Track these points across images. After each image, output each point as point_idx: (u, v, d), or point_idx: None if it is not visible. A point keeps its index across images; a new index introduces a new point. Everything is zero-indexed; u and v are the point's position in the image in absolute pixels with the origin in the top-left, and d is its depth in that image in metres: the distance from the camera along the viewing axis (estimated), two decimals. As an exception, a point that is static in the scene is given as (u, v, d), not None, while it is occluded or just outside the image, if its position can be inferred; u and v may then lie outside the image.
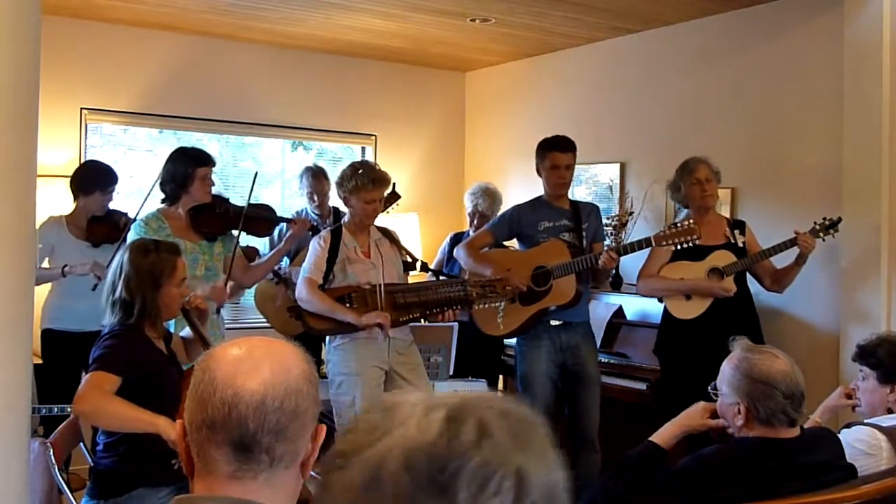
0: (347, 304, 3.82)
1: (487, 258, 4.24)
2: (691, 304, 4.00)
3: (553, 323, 4.12)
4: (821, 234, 3.89)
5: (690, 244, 3.84)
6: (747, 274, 4.08)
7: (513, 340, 4.90)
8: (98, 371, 2.65)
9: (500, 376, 5.21)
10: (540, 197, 4.29)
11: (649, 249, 4.07)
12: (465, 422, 0.69)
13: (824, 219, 3.91)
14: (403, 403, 0.73)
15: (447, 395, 0.74)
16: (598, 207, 4.45)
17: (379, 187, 3.86)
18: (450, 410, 0.70)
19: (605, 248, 4.02)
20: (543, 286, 4.09)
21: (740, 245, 4.05)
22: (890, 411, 2.76)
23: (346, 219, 4.01)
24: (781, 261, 4.04)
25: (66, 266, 4.15)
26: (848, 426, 2.70)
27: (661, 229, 4.07)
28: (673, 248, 3.91)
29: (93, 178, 4.40)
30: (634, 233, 5.07)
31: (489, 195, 4.94)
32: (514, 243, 4.49)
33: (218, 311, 3.99)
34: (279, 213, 4.48)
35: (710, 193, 4.06)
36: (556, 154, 4.15)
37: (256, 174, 4.18)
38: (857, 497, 2.21)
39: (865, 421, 2.71)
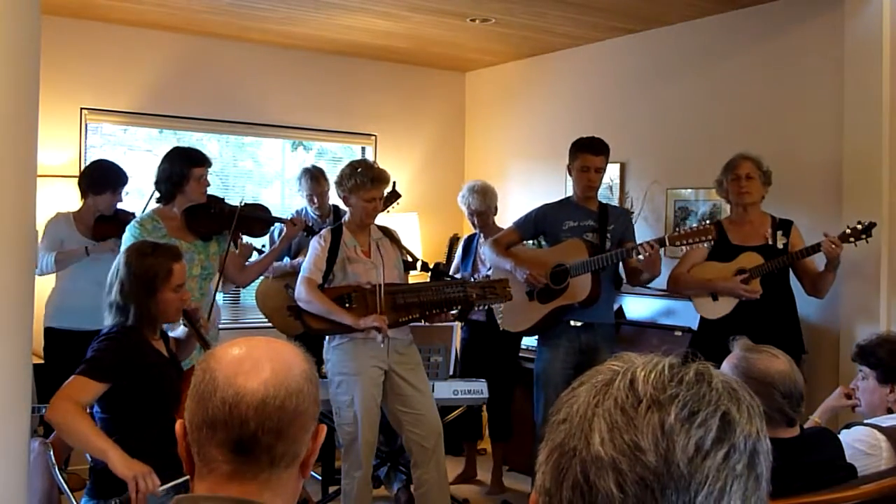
0: (347, 304, 3.82)
1: (509, 255, 4.26)
2: (718, 304, 3.97)
3: (574, 324, 4.10)
4: (851, 239, 3.70)
5: (705, 244, 3.82)
6: (790, 277, 3.99)
7: (526, 342, 4.93)
8: (81, 377, 2.64)
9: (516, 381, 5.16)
10: (569, 197, 4.31)
11: (686, 251, 4.06)
12: (688, 368, 0.81)
13: (858, 223, 3.73)
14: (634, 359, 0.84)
15: None
16: (628, 212, 4.43)
17: (378, 186, 3.86)
18: (676, 361, 0.81)
19: (641, 243, 3.94)
20: (561, 284, 4.10)
21: (780, 246, 3.94)
22: (890, 411, 2.76)
23: (346, 218, 4.01)
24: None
25: (88, 247, 4.27)
26: (848, 426, 2.69)
27: (676, 229, 4.06)
28: (686, 248, 3.90)
29: (105, 178, 4.41)
30: (636, 233, 5.07)
31: (477, 192, 4.93)
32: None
33: (221, 276, 4.01)
34: (279, 214, 4.49)
35: (748, 191, 3.98)
36: (587, 156, 4.13)
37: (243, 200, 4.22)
38: (857, 497, 2.21)
39: (865, 421, 2.71)
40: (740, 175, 4.00)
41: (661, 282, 4.37)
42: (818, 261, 3.93)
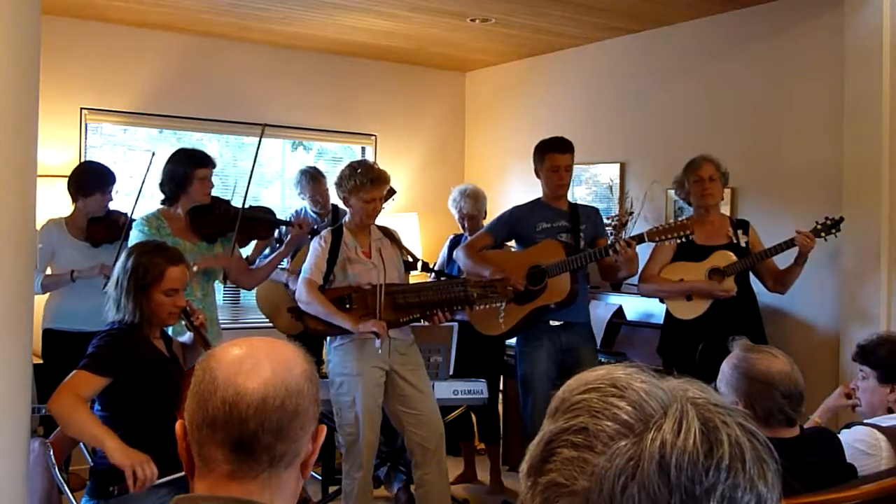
0: (347, 305, 3.82)
1: (485, 258, 4.25)
2: (692, 305, 4.01)
3: (553, 323, 4.12)
4: (822, 234, 3.86)
5: (684, 239, 3.85)
6: (750, 274, 4.07)
7: (514, 340, 4.93)
8: (83, 371, 2.67)
9: (502, 376, 5.20)
10: (538, 199, 4.30)
11: (651, 250, 4.08)
12: (720, 439, 0.74)
13: (826, 218, 3.89)
14: (647, 400, 0.76)
15: (674, 387, 0.78)
16: (597, 210, 4.45)
17: (378, 186, 3.86)
18: (702, 422, 0.74)
19: (618, 241, 3.96)
20: (538, 285, 4.10)
21: (743, 245, 4.04)
22: (890, 411, 2.76)
23: (346, 218, 4.01)
24: (784, 262, 4.03)
25: (74, 271, 4.19)
26: (848, 426, 2.69)
27: (655, 225, 4.08)
28: (667, 243, 3.92)
29: (93, 180, 4.39)
30: (634, 232, 5.07)
31: (469, 196, 4.94)
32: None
33: (225, 280, 4.00)
34: (279, 214, 4.48)
35: (711, 192, 4.06)
36: (554, 155, 4.16)
37: (263, 127, 4.21)
38: (857, 497, 2.21)
39: (865, 421, 2.71)
40: (703, 177, 4.05)
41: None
42: (777, 259, 4.00)
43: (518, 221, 4.27)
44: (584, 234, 4.18)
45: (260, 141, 4.15)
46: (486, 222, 4.99)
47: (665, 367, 4.21)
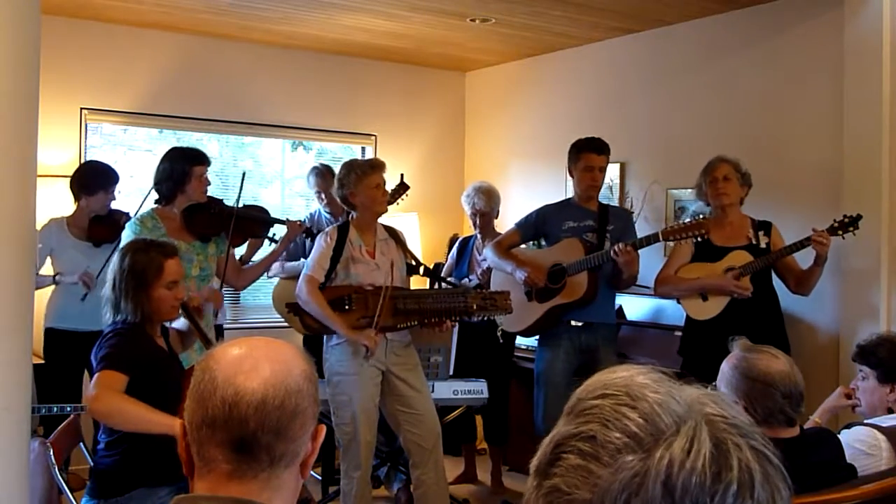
0: (346, 306, 3.81)
1: (509, 256, 4.29)
2: (708, 305, 3.96)
3: (574, 323, 4.10)
4: (839, 233, 3.78)
5: (699, 238, 3.83)
6: (773, 276, 4.02)
7: (522, 341, 4.93)
8: (106, 370, 2.64)
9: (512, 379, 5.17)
10: (569, 198, 4.32)
11: (669, 253, 4.08)
12: (730, 463, 0.71)
13: (844, 216, 3.79)
14: (660, 413, 0.74)
15: (692, 401, 0.76)
16: (629, 213, 4.44)
17: (378, 171, 3.87)
18: (714, 443, 0.72)
19: (615, 246, 3.94)
20: (558, 284, 4.10)
21: (763, 246, 3.97)
22: (890, 411, 2.76)
23: (354, 215, 3.98)
24: (803, 263, 3.96)
25: (57, 274, 4.23)
26: (848, 426, 2.70)
27: (670, 224, 4.07)
28: (683, 244, 3.91)
29: (96, 178, 4.41)
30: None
31: (484, 192, 4.94)
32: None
33: (216, 315, 3.99)
34: (279, 214, 4.48)
35: (725, 192, 4.00)
36: (591, 156, 4.14)
37: (244, 174, 4.20)
38: (857, 497, 2.21)
39: (865, 421, 2.71)
40: (717, 177, 4.03)
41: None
42: (801, 259, 3.95)
43: (546, 220, 4.28)
44: (611, 234, 4.14)
45: (241, 185, 4.09)
46: (496, 222, 5.01)
47: (685, 369, 4.12)
